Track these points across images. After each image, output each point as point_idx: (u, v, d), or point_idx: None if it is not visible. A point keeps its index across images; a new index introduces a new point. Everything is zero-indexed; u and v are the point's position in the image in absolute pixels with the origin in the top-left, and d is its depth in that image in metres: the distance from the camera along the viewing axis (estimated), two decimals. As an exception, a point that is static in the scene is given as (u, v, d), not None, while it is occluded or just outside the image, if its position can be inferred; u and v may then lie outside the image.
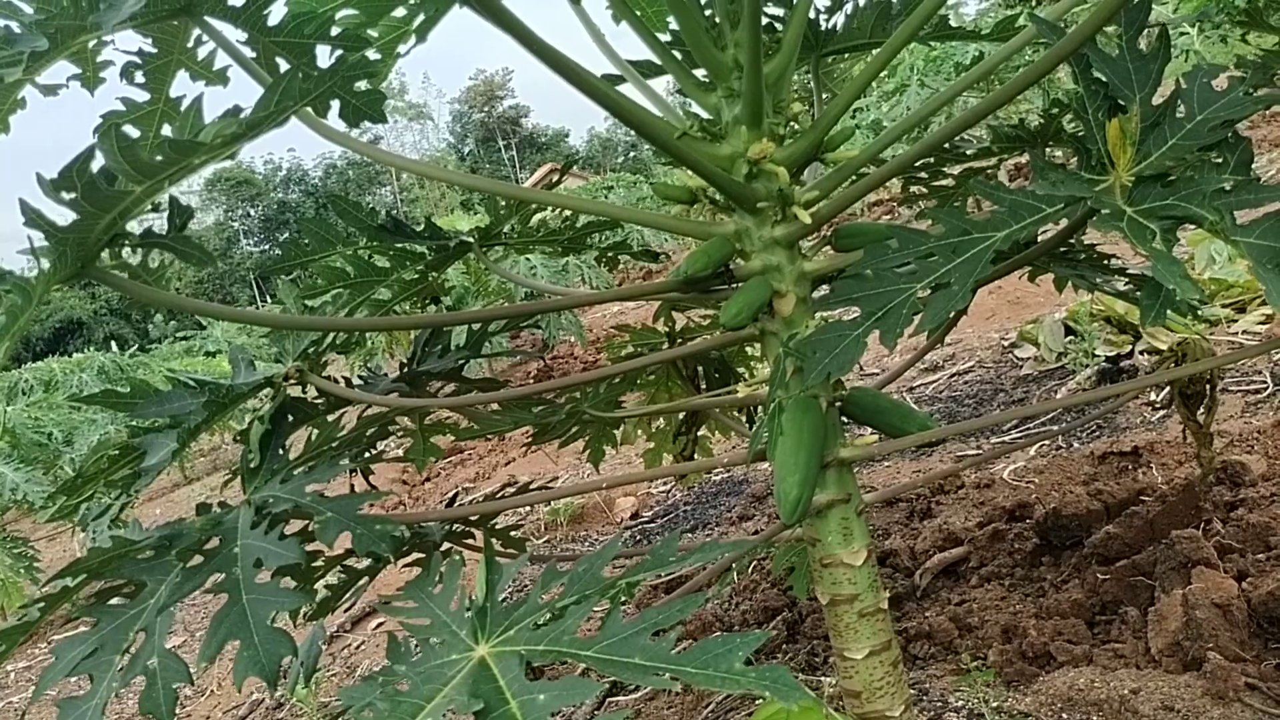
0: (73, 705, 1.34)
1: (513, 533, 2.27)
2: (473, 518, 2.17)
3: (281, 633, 1.30)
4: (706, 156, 1.69)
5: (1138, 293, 2.16)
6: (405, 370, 2.19)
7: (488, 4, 1.40)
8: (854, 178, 1.85)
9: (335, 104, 2.11)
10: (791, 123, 1.71)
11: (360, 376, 2.15)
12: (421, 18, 2.00)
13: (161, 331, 39.72)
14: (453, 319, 1.91)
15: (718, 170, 1.66)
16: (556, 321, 8.05)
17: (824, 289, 1.83)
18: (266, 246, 58.65)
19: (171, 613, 1.36)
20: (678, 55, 1.93)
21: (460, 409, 2.20)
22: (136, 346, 28.61)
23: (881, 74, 1.79)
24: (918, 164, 2.23)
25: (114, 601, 1.46)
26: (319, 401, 2.00)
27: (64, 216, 1.14)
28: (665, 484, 5.05)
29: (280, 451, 1.64)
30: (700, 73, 1.87)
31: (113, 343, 27.34)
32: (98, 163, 1.11)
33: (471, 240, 2.30)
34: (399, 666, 1.23)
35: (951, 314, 1.40)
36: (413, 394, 2.15)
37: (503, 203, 2.31)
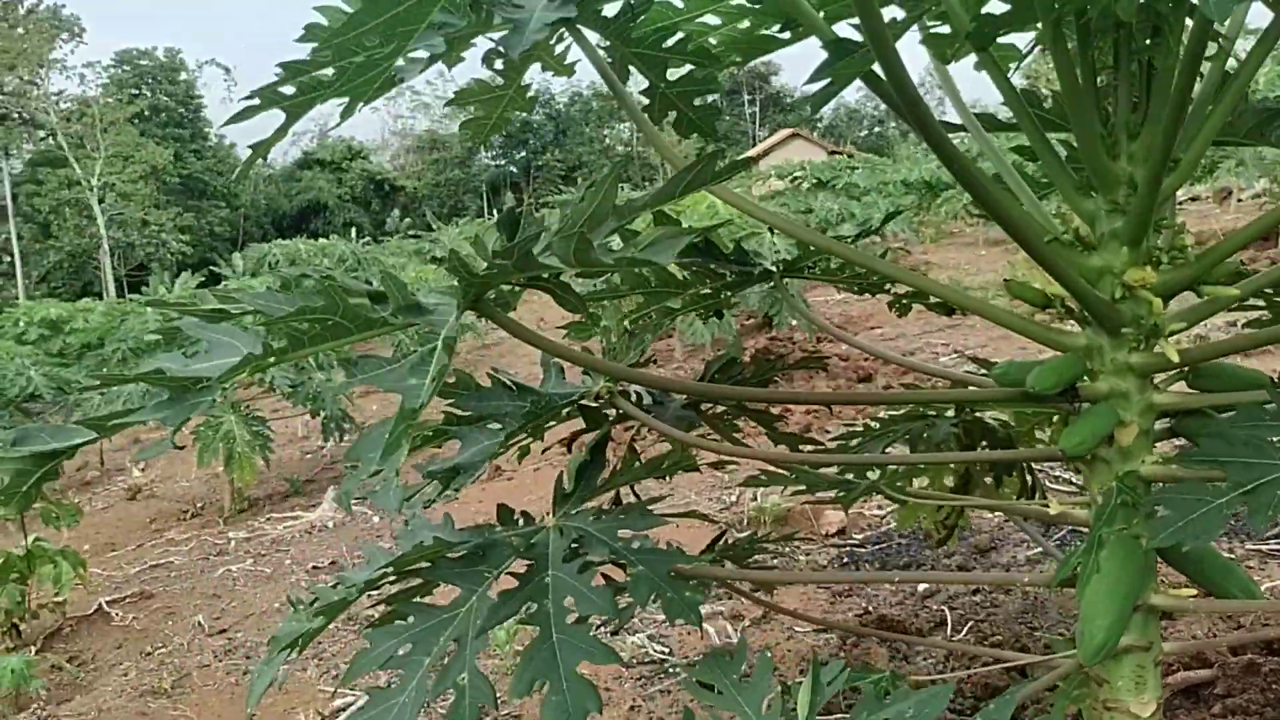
0: (383, 696, 1.43)
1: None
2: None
3: (588, 685, 1.34)
4: (1075, 266, 1.60)
5: None
6: (690, 398, 2.21)
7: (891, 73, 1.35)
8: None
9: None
10: (1174, 251, 1.59)
11: (650, 394, 2.18)
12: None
13: (395, 226, 42.01)
14: (852, 399, 1.89)
15: (1083, 284, 1.57)
16: (788, 310, 7.97)
17: (1165, 419, 1.72)
18: (504, 162, 60.76)
19: (487, 637, 1.42)
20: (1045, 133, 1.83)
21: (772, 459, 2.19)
22: (370, 237, 30.43)
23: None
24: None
25: (426, 600, 1.54)
26: (610, 414, 2.04)
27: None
28: (879, 507, 4.94)
29: (596, 483, 1.68)
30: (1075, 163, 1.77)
31: (352, 229, 29.11)
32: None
33: (774, 270, 2.30)
34: None
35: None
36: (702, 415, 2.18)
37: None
